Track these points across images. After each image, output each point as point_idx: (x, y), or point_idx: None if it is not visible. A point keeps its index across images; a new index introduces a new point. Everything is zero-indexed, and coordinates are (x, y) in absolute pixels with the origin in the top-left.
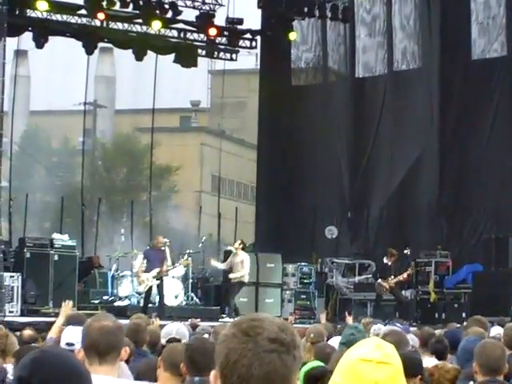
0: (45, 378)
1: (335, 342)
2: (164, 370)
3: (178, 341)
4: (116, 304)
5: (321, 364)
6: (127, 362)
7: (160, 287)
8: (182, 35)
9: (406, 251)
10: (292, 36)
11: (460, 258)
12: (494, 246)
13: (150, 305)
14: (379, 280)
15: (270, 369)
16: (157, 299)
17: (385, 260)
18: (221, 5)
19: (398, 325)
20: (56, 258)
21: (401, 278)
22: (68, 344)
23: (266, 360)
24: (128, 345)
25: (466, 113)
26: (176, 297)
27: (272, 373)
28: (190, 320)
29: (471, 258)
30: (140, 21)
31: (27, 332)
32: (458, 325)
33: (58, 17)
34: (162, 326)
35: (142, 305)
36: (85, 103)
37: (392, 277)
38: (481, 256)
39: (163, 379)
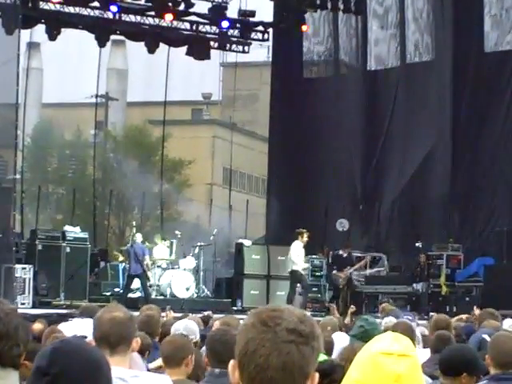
0: (64, 368)
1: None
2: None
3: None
4: (127, 296)
5: (327, 357)
6: (143, 354)
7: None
8: (194, 27)
9: (417, 244)
10: (304, 28)
11: (472, 251)
12: (505, 239)
13: (161, 297)
14: (334, 271)
15: (288, 359)
16: (168, 291)
17: (340, 252)
18: None
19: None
20: (68, 250)
21: (357, 266)
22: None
23: (283, 351)
24: (144, 338)
25: (478, 105)
26: (187, 289)
27: (289, 363)
28: (202, 313)
29: (483, 251)
30: (152, 13)
31: (37, 326)
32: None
33: (71, 9)
34: (176, 319)
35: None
36: (97, 96)
37: (348, 267)
38: (492, 249)
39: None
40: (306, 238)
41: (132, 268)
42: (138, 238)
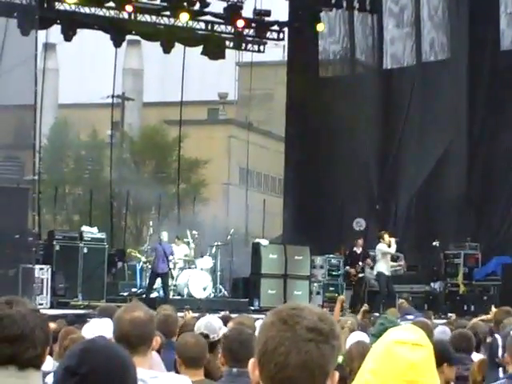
0: (93, 368)
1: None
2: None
3: (206, 336)
4: (145, 296)
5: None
6: (158, 352)
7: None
8: (209, 27)
9: (434, 243)
10: (319, 27)
11: (489, 249)
12: None
13: (178, 297)
14: (347, 267)
15: (307, 358)
16: (185, 291)
17: (354, 248)
18: None
19: (411, 317)
20: (85, 250)
21: (366, 262)
22: None
23: (303, 349)
24: (159, 336)
25: (494, 103)
26: (204, 289)
27: (309, 362)
28: (221, 313)
29: (500, 249)
30: (168, 13)
31: (51, 325)
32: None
33: (86, 9)
34: (195, 318)
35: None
36: (113, 96)
37: (360, 263)
38: (510, 248)
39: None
40: (387, 238)
41: (159, 267)
42: (164, 236)
